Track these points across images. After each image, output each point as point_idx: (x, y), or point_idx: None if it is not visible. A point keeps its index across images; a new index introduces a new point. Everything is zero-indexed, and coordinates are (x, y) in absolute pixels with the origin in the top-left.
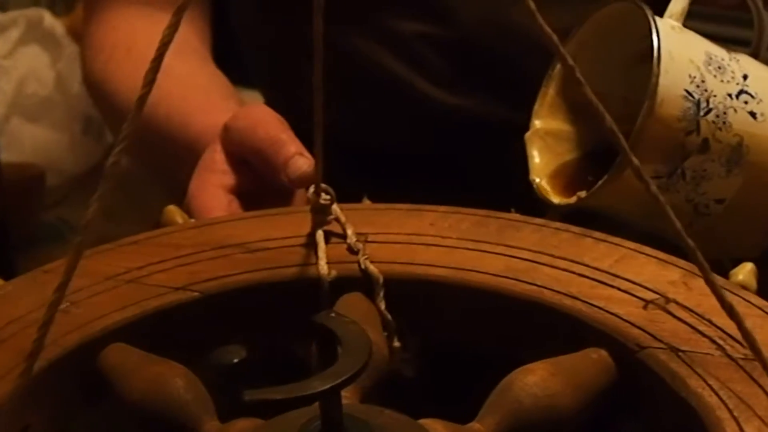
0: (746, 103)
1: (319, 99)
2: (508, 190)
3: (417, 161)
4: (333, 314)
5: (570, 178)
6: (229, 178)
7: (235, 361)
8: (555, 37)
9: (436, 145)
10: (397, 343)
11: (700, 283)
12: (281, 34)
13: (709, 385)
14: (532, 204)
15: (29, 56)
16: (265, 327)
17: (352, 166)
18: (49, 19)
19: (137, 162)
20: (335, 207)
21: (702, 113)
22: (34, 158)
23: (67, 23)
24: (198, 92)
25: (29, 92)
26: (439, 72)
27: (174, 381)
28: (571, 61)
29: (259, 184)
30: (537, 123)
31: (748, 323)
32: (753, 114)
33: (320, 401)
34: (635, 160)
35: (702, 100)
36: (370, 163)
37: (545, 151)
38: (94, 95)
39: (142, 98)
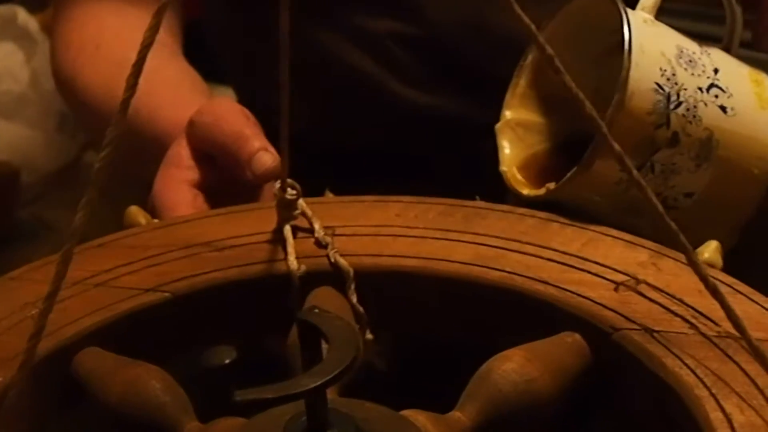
0: (717, 97)
1: (285, 93)
2: (476, 183)
3: (385, 159)
4: (317, 310)
5: (540, 169)
6: (194, 174)
7: (227, 362)
8: (533, 26)
9: (405, 144)
10: (369, 336)
11: (669, 263)
12: (249, 30)
13: (686, 364)
14: (497, 191)
15: (3, 53)
16: (237, 325)
17: (318, 163)
18: (23, 15)
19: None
20: (301, 202)
21: (672, 107)
22: (9, 156)
23: (41, 20)
24: (166, 87)
25: (3, 89)
26: (409, 71)
27: (151, 383)
28: (550, 50)
29: (224, 179)
30: (508, 114)
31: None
32: (723, 108)
33: (305, 400)
34: (616, 146)
35: (672, 93)
36: (337, 160)
37: (515, 142)
38: (64, 91)
39: (125, 101)
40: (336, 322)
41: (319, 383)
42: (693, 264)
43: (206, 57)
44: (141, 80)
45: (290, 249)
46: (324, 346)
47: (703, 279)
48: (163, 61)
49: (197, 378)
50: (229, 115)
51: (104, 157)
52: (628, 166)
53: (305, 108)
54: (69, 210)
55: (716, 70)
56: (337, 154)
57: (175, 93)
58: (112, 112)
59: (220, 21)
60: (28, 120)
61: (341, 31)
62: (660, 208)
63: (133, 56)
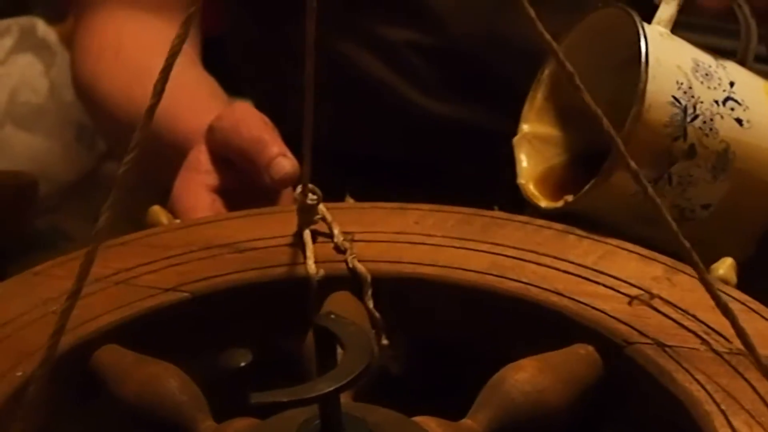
0: (733, 109)
1: (309, 98)
2: (492, 193)
3: (403, 168)
4: (333, 315)
5: (557, 181)
6: (212, 178)
7: (243, 364)
8: (554, 43)
9: (422, 153)
10: (385, 341)
11: (683, 278)
12: (268, 38)
13: (697, 380)
14: (515, 202)
15: (22, 64)
16: (254, 326)
17: (335, 171)
18: (42, 27)
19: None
20: (322, 207)
21: (689, 119)
22: (27, 166)
23: (60, 31)
24: (185, 93)
25: (22, 100)
26: (426, 80)
27: (168, 382)
28: (570, 68)
29: (243, 183)
30: (525, 127)
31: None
32: (739, 121)
33: (319, 405)
34: (632, 163)
35: (689, 106)
36: (353, 168)
37: (533, 155)
38: (83, 98)
39: (152, 108)
40: (351, 328)
41: (332, 389)
42: (704, 282)
43: (225, 74)
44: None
45: (309, 253)
46: (339, 351)
47: (714, 297)
48: (182, 69)
49: (214, 378)
50: (248, 120)
51: (129, 160)
52: (643, 183)
53: (324, 116)
54: (87, 220)
55: (732, 83)
56: (355, 162)
57: (193, 100)
58: (130, 118)
59: (243, 34)
60: (46, 131)
61: (360, 40)
62: (673, 226)
63: (151, 63)
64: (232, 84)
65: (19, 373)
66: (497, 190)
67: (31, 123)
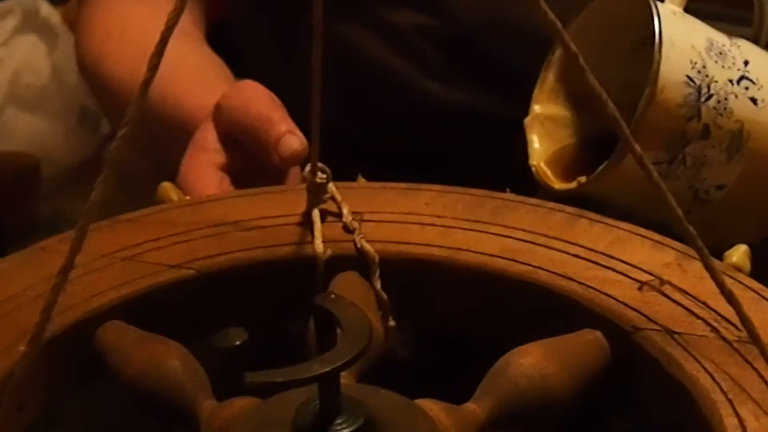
0: (747, 89)
1: (317, 79)
2: (501, 179)
3: (410, 154)
4: (333, 296)
5: (569, 163)
6: (220, 157)
7: (237, 343)
8: (558, 23)
9: (429, 138)
10: (392, 323)
11: (695, 265)
12: (275, 22)
13: (704, 368)
14: (523, 187)
15: (25, 46)
16: (260, 305)
17: (341, 158)
18: (45, 8)
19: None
20: (331, 186)
21: (703, 99)
22: (30, 148)
23: (64, 13)
24: (191, 74)
25: (25, 82)
26: (433, 65)
27: (171, 360)
28: (574, 48)
29: (250, 162)
30: (536, 108)
31: (744, 305)
32: (754, 100)
33: (318, 385)
34: (637, 147)
35: (703, 86)
36: (359, 156)
37: (544, 137)
38: (88, 78)
39: (146, 82)
40: (350, 309)
41: (328, 369)
42: (708, 267)
43: (230, 58)
44: (166, 68)
45: (317, 233)
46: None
47: (719, 283)
48: (187, 49)
49: (217, 356)
50: (256, 98)
51: (122, 136)
52: (647, 167)
53: (329, 102)
54: None
55: (746, 62)
56: (362, 148)
57: (199, 80)
58: (132, 99)
59: (247, 19)
60: (49, 113)
61: (365, 25)
62: (678, 212)
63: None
64: (237, 68)
65: (22, 348)
66: (506, 177)
67: (34, 105)
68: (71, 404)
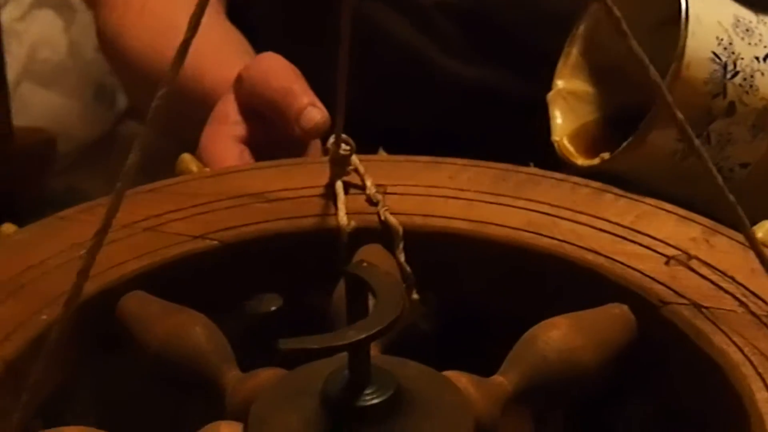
0: None
1: (345, 48)
2: (523, 157)
3: (431, 132)
4: (365, 264)
5: (591, 140)
6: (241, 129)
7: (272, 309)
8: None
9: (450, 117)
10: (415, 296)
11: (722, 240)
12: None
13: (734, 342)
14: (545, 164)
15: (42, 21)
16: (283, 276)
17: (362, 135)
18: None
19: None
20: (354, 158)
21: (729, 76)
22: (45, 124)
23: None
24: (211, 47)
25: (42, 57)
26: (454, 43)
27: (194, 330)
28: (617, 12)
29: (271, 135)
30: (559, 83)
31: None
32: None
33: (348, 353)
34: (679, 114)
35: (729, 62)
36: (381, 133)
37: (567, 112)
38: (107, 51)
39: (176, 66)
40: (384, 277)
41: (363, 336)
42: (750, 239)
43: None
44: None
45: (341, 205)
46: (370, 301)
47: (759, 254)
48: (208, 23)
49: (242, 326)
50: (278, 70)
51: (162, 95)
52: (689, 134)
53: (349, 79)
54: (104, 180)
55: None
56: (381, 125)
57: (220, 53)
58: (157, 72)
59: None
60: (65, 89)
61: (388, 2)
62: (719, 180)
63: (177, 18)
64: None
65: (44, 317)
66: (527, 155)
67: (50, 80)
68: (90, 375)
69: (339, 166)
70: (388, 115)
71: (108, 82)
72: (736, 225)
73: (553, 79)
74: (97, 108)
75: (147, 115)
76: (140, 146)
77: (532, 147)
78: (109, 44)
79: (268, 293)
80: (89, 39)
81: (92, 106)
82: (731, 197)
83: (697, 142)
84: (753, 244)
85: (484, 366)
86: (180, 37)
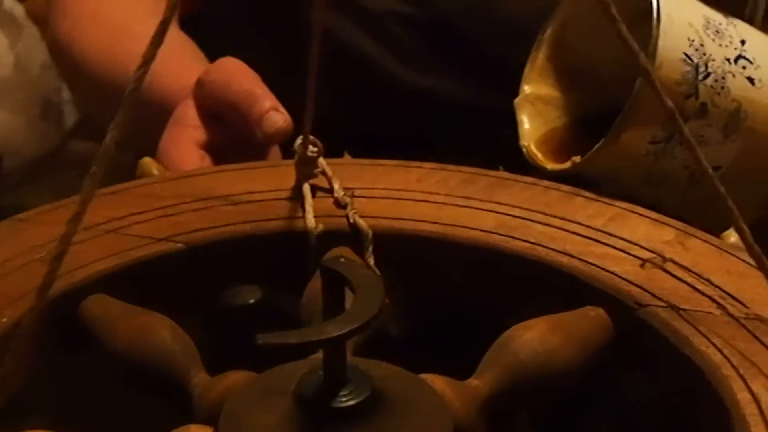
0: (744, 68)
1: (316, 45)
2: (487, 165)
3: (389, 142)
4: (342, 259)
5: (558, 145)
6: (200, 134)
7: (251, 301)
8: None
9: (407, 125)
10: (385, 300)
11: (696, 243)
12: (254, 10)
13: (713, 344)
14: (518, 167)
15: None
16: (250, 280)
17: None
18: (9, 1)
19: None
20: (321, 160)
21: (701, 77)
22: None
23: (27, 5)
24: (169, 54)
25: None
26: (410, 52)
27: (160, 332)
28: None
29: (231, 139)
30: (526, 88)
31: (749, 283)
32: (751, 80)
33: (324, 351)
34: (669, 102)
35: (701, 64)
36: (341, 139)
37: (534, 117)
38: (60, 59)
39: (139, 79)
40: (362, 271)
41: (344, 331)
42: (740, 231)
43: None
44: (143, 50)
45: (308, 207)
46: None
47: (749, 246)
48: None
49: (205, 329)
50: (239, 73)
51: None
52: (678, 122)
53: (307, 85)
54: (52, 197)
55: (743, 42)
56: (342, 132)
57: (177, 60)
58: (111, 78)
59: (224, 8)
60: (11, 106)
61: (341, 11)
62: (709, 170)
63: (130, 24)
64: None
65: (5, 319)
66: (490, 164)
67: None
68: (53, 378)
69: (306, 167)
70: (347, 124)
71: (55, 98)
72: (708, 228)
73: (513, 87)
74: (44, 125)
75: (101, 121)
76: (108, 150)
77: (497, 155)
78: (61, 51)
79: (246, 285)
80: (35, 55)
81: (39, 122)
82: (722, 189)
83: (687, 131)
84: (743, 236)
85: (457, 370)
86: (134, 43)
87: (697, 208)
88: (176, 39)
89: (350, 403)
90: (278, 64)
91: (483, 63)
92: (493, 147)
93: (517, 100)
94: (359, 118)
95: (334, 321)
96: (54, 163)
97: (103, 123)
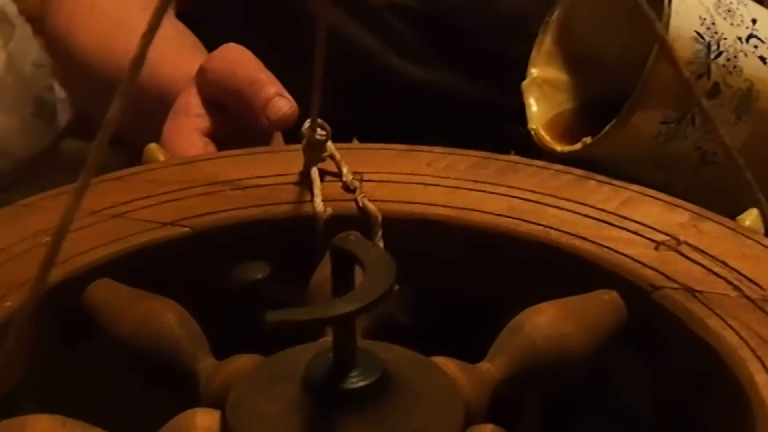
0: (756, 47)
1: (323, 28)
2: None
3: (388, 134)
4: (352, 237)
5: (566, 129)
6: (204, 122)
7: (259, 277)
8: None
9: (408, 120)
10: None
11: (711, 225)
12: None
13: (730, 326)
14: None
15: None
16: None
17: None
18: None
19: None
20: (330, 144)
21: (713, 56)
22: None
23: (20, 3)
24: (168, 44)
25: None
26: (410, 46)
27: (166, 317)
28: None
29: (235, 127)
30: (534, 71)
31: (766, 266)
32: (763, 59)
33: (334, 331)
34: (686, 72)
35: (713, 42)
36: (339, 134)
37: (542, 100)
38: (56, 51)
39: (134, 69)
40: (372, 249)
41: (355, 308)
42: (759, 203)
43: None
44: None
45: (317, 191)
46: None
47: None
48: (163, 23)
49: (212, 314)
50: (243, 60)
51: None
52: (696, 95)
53: (305, 84)
54: None
55: (754, 21)
56: (340, 127)
57: (176, 50)
58: (109, 71)
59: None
60: (3, 105)
61: (339, 4)
62: (725, 139)
63: (128, 16)
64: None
65: (8, 304)
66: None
67: None
68: (58, 365)
69: (314, 151)
70: (345, 116)
71: (47, 98)
72: (720, 213)
73: (513, 81)
74: (36, 125)
75: (96, 114)
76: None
77: (497, 149)
78: (57, 43)
79: (255, 261)
80: (28, 54)
81: (31, 122)
82: (740, 160)
83: (704, 103)
84: (761, 206)
85: (467, 356)
86: (131, 35)
87: (706, 193)
88: (172, 28)
89: (360, 384)
90: (271, 58)
91: (483, 57)
92: (493, 141)
93: (524, 84)
94: (358, 113)
95: (344, 298)
96: (46, 163)
97: (99, 117)
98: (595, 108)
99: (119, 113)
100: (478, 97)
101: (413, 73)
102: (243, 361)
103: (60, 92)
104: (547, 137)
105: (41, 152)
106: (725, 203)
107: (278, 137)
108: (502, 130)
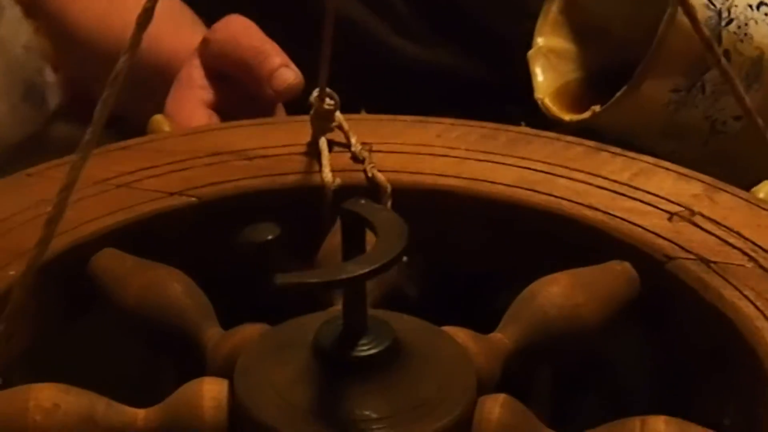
0: (767, 15)
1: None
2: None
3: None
4: (363, 201)
5: (573, 98)
6: (207, 93)
7: (269, 238)
8: None
9: (406, 102)
10: (404, 258)
11: (725, 196)
12: None
13: (745, 296)
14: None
15: None
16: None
17: None
18: None
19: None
20: (338, 114)
21: (723, 23)
22: None
23: None
24: (167, 18)
25: None
26: (408, 24)
27: (172, 285)
28: None
29: (239, 98)
30: (539, 40)
31: None
32: None
33: (344, 295)
34: (705, 30)
35: (723, 9)
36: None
37: (548, 70)
38: (52, 28)
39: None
40: (383, 213)
41: (366, 270)
42: None
43: None
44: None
45: (325, 161)
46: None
47: None
48: None
49: (219, 283)
50: (247, 30)
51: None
52: (716, 52)
53: (302, 59)
54: None
55: None
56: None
57: (176, 24)
58: (108, 47)
59: None
60: None
61: None
62: (732, 76)
63: None
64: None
65: (12, 272)
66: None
67: None
68: (62, 335)
69: (323, 121)
70: (343, 94)
71: (37, 81)
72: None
73: (513, 61)
74: (26, 109)
75: (97, 92)
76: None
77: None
78: (51, 19)
79: (264, 222)
80: (17, 37)
81: (20, 106)
82: (760, 121)
83: (723, 60)
84: None
85: (478, 329)
86: (129, 12)
87: (715, 163)
88: (174, 4)
89: (371, 352)
90: (273, 30)
91: (483, 37)
92: (494, 122)
93: (530, 53)
94: (359, 92)
95: (355, 261)
96: (36, 147)
97: (97, 94)
98: (601, 79)
99: (124, 80)
100: (478, 77)
101: (413, 52)
102: (250, 330)
103: (50, 75)
104: (553, 107)
105: (31, 136)
106: (734, 173)
107: (281, 109)
108: (503, 111)
